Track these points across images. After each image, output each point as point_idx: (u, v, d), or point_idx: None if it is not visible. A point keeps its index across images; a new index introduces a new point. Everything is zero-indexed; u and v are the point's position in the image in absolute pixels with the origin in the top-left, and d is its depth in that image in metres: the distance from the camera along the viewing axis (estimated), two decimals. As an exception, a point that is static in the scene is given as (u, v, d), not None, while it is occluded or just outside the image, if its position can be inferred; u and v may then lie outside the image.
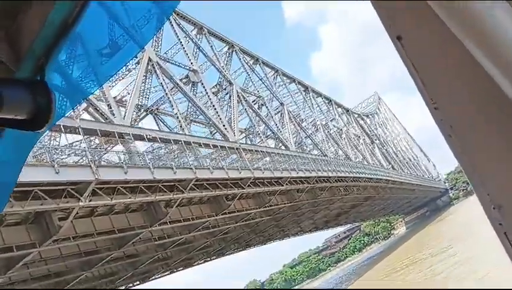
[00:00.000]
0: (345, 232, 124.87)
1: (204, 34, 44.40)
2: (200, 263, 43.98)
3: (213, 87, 43.25)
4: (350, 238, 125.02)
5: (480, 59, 0.75)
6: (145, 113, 41.08)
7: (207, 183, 24.40)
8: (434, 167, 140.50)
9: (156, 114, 43.12)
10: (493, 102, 0.88)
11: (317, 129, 58.94)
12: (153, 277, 38.47)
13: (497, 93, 0.82)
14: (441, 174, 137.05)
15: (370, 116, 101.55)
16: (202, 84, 37.19)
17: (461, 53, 0.82)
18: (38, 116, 1.10)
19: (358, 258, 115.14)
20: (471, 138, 0.93)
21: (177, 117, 30.43)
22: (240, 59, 48.99)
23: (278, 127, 45.59)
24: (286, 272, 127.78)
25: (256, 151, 36.66)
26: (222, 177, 25.24)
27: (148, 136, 25.04)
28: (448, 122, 0.96)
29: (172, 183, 21.61)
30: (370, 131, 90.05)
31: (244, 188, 27.71)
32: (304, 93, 65.65)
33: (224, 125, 35.16)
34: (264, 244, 62.40)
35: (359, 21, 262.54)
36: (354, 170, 50.68)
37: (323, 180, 41.96)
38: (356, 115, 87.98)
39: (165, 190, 21.04)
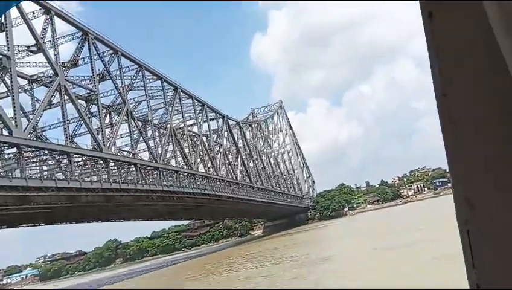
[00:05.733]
0: (209, 220, 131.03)
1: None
2: None
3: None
4: (212, 227, 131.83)
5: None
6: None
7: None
8: (313, 183, 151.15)
9: None
10: (504, 104, 0.89)
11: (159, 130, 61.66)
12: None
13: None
14: (316, 191, 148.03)
15: (253, 125, 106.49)
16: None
17: (490, 46, 0.81)
18: None
19: (211, 247, 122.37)
20: (469, 132, 0.94)
21: None
22: (90, 48, 49.61)
23: (100, 127, 47.54)
24: (143, 241, 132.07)
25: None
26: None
27: None
28: (450, 111, 0.96)
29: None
30: (243, 141, 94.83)
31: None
32: (173, 93, 67.69)
33: None
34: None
35: (308, 19, 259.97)
36: (168, 184, 54.77)
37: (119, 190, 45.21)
38: (234, 123, 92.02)
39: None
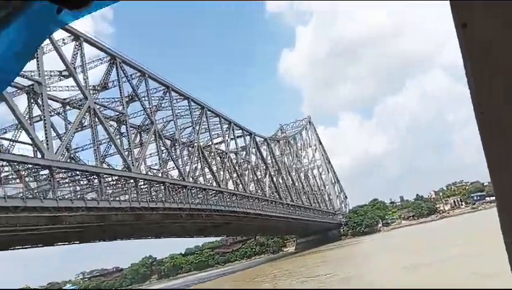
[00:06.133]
0: (241, 237, 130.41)
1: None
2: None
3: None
4: (244, 244, 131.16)
5: None
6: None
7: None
8: (345, 198, 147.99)
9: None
10: None
11: (188, 149, 62.30)
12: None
13: None
14: (348, 207, 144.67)
15: (282, 141, 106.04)
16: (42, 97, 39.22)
17: None
18: None
19: (243, 263, 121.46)
20: (509, 149, 0.91)
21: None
22: (118, 72, 51.19)
23: (129, 147, 48.59)
24: (177, 258, 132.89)
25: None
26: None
27: None
28: (490, 125, 0.93)
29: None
30: (272, 157, 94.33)
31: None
32: (200, 112, 68.51)
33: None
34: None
35: (335, 33, 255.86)
36: (196, 201, 54.98)
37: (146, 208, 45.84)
38: (262, 140, 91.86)
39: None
